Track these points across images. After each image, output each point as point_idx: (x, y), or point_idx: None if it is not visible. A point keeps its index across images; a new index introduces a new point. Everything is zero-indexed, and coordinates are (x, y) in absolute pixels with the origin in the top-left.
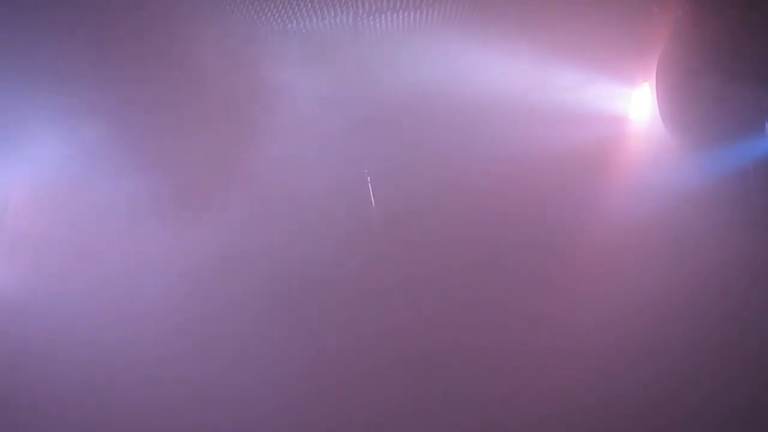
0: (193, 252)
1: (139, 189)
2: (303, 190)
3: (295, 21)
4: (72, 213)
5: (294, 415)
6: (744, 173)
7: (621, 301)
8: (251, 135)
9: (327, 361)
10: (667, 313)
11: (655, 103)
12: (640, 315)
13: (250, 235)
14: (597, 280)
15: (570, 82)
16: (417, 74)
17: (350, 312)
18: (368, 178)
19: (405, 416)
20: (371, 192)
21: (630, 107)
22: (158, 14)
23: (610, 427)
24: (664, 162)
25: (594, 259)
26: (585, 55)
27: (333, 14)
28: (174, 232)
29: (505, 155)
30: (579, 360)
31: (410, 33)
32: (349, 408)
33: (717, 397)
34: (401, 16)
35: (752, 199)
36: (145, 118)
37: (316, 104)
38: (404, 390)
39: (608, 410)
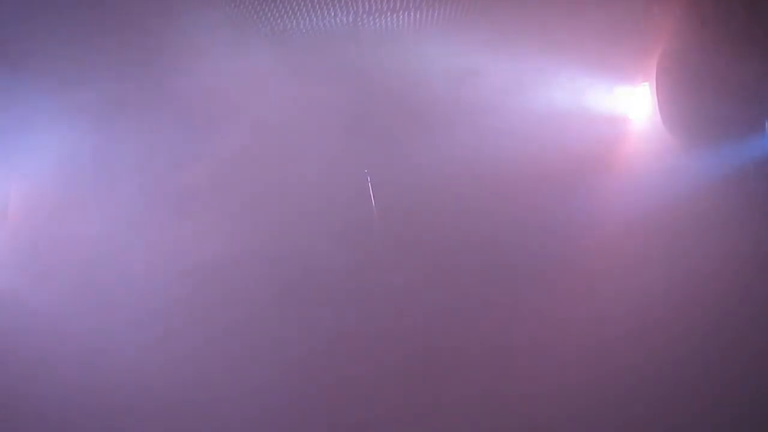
0: (194, 252)
1: (139, 189)
2: (303, 189)
3: (294, 20)
4: (72, 213)
5: (294, 415)
6: (744, 173)
7: (621, 301)
8: (250, 135)
9: (327, 361)
10: (667, 313)
11: (655, 103)
12: (640, 314)
13: (250, 235)
14: (596, 279)
15: (569, 82)
16: (416, 74)
17: (350, 311)
18: (368, 178)
19: (406, 416)
20: (371, 191)
21: (630, 107)
22: (158, 15)
23: (613, 426)
24: (664, 162)
25: (593, 259)
26: (585, 55)
27: (333, 14)
28: (174, 232)
29: (504, 155)
30: (578, 359)
31: (410, 33)
32: (349, 407)
33: (717, 396)
34: (401, 17)
35: (752, 199)
36: (146, 119)
37: (315, 103)
38: (405, 389)
39: (610, 410)
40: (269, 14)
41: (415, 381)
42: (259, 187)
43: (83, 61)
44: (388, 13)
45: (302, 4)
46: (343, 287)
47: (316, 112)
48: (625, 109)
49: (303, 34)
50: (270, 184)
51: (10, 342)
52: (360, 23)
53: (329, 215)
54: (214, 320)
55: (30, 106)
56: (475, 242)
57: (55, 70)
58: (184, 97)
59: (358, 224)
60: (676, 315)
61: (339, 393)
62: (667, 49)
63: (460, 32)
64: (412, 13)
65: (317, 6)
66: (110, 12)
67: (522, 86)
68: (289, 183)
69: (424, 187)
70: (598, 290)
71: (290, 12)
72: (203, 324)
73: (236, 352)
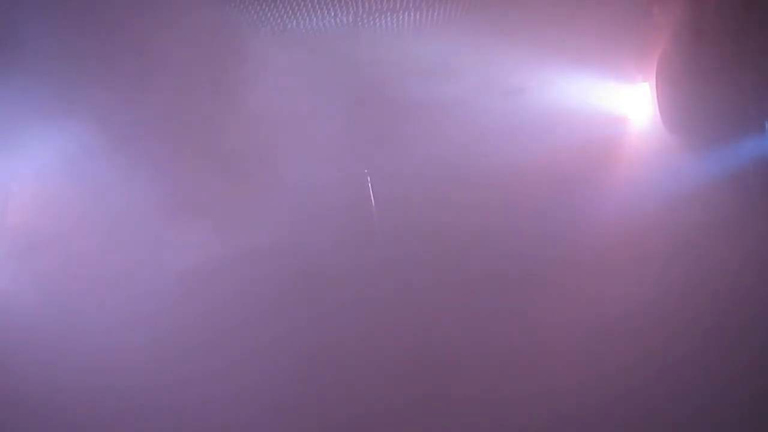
0: (194, 251)
1: (140, 188)
2: (302, 188)
3: (295, 20)
4: (72, 213)
5: (294, 415)
6: (744, 173)
7: (621, 301)
8: (251, 135)
9: (327, 362)
10: (667, 313)
11: (655, 103)
12: (640, 315)
13: (249, 235)
14: (596, 280)
15: (569, 82)
16: (416, 74)
17: (349, 312)
18: (368, 177)
19: (409, 417)
20: (371, 190)
21: (630, 107)
22: (158, 15)
23: (613, 426)
24: (664, 162)
25: (593, 260)
26: (585, 55)
27: (333, 14)
28: (174, 232)
29: (503, 155)
30: (579, 361)
31: (410, 33)
32: (351, 409)
33: (717, 396)
34: (401, 17)
35: (752, 199)
36: (146, 118)
37: (314, 103)
38: (405, 391)
39: (610, 410)
40: (269, 14)
41: (416, 381)
42: (258, 186)
43: (84, 60)
44: (388, 13)
45: (302, 4)
46: (343, 287)
47: (315, 112)
48: (625, 109)
49: (303, 34)
50: (269, 184)
51: (10, 342)
52: (360, 23)
53: (329, 214)
54: (215, 320)
55: (30, 105)
56: (475, 242)
57: (56, 69)
58: (184, 96)
59: (358, 223)
60: (676, 315)
61: (340, 394)
62: (667, 49)
63: (460, 32)
64: (412, 13)
65: (317, 6)
66: (111, 11)
67: (522, 87)
68: (288, 182)
69: (425, 187)
70: (597, 290)
71: (290, 12)
72: (204, 324)
73: (237, 353)
